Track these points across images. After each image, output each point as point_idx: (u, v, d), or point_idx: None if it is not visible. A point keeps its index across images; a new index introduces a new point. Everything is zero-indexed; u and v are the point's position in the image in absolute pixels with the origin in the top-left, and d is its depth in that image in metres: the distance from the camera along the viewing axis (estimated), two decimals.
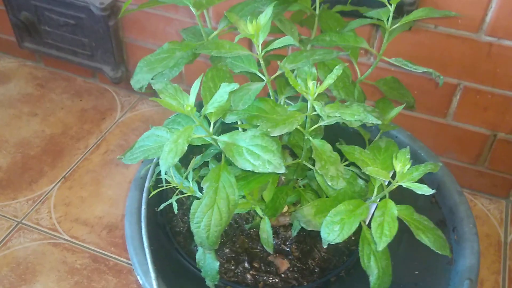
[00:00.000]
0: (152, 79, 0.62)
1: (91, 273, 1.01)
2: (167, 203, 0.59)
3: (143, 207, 0.69)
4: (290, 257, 0.70)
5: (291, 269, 0.69)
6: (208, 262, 0.59)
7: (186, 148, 0.48)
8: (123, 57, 1.37)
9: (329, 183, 0.51)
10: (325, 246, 0.56)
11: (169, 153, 0.48)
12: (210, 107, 0.49)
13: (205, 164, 0.65)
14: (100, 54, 1.36)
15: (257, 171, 0.49)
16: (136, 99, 1.42)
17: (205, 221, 0.54)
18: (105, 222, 1.10)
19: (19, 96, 1.43)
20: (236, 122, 0.59)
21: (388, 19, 0.64)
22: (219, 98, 0.49)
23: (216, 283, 0.60)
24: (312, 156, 0.53)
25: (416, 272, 0.70)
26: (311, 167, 0.61)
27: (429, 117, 1.11)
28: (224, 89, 0.49)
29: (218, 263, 0.59)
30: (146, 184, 0.73)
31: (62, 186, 1.18)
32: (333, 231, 0.55)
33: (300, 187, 0.70)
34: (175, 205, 0.56)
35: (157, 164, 0.73)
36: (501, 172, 1.14)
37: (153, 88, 0.53)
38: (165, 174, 0.58)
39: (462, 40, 0.96)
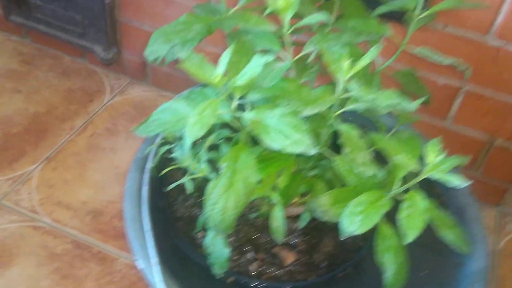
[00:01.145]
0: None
1: (72, 259, 0.95)
2: (177, 183, 0.55)
3: (145, 188, 0.65)
4: (296, 250, 0.67)
5: (296, 262, 0.66)
6: (217, 248, 0.56)
7: (212, 121, 0.45)
8: (116, 37, 1.32)
9: (357, 170, 0.49)
10: (343, 238, 0.53)
11: (194, 125, 0.44)
12: (240, 80, 0.46)
13: (212, 149, 0.61)
14: (92, 33, 1.30)
15: (286, 151, 0.46)
16: (126, 83, 1.37)
17: (222, 204, 0.50)
18: (89, 207, 1.04)
19: (2, 72, 1.36)
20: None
21: (415, 8, 0.62)
22: (251, 71, 0.46)
23: (224, 271, 0.57)
24: (339, 142, 0.50)
25: (422, 274, 0.68)
26: (331, 155, 0.58)
27: (429, 119, 1.10)
28: (258, 61, 0.45)
29: (228, 250, 0.55)
30: (148, 165, 0.68)
31: (45, 167, 1.11)
32: (354, 222, 0.52)
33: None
34: (189, 184, 0.52)
35: (162, 145, 0.68)
36: (495, 179, 1.14)
37: (177, 55, 0.49)
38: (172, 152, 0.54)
39: (469, 42, 0.95)
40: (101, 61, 1.33)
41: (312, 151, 0.45)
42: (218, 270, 0.57)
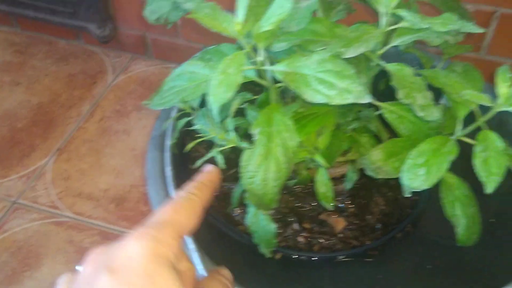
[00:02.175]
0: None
1: None
2: (205, 157, 0.48)
3: (168, 168, 0.58)
4: (345, 214, 0.60)
5: (348, 227, 0.59)
6: (262, 225, 0.49)
7: (240, 80, 0.37)
8: (109, 12, 1.22)
9: (421, 114, 0.41)
10: (408, 195, 0.46)
11: (219, 86, 0.37)
12: (266, 24, 0.38)
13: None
14: (84, 11, 1.21)
15: (332, 103, 0.38)
16: (128, 59, 1.29)
17: (261, 175, 0.43)
18: (111, 194, 0.99)
19: None
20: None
21: None
22: (278, 10, 0.37)
23: (273, 249, 0.50)
24: (392, 84, 0.42)
25: (491, 220, 0.60)
26: (377, 103, 0.50)
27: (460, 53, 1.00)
28: (284, 1, 0.37)
29: (275, 226, 0.48)
30: (167, 142, 0.61)
31: (58, 159, 1.05)
32: (417, 176, 0.45)
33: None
34: (220, 158, 0.45)
35: (179, 118, 0.61)
36: None
37: (183, 7, 0.41)
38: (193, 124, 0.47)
39: None
40: (97, 40, 1.24)
41: (365, 100, 0.37)
42: (266, 249, 0.50)
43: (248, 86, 0.49)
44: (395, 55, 0.70)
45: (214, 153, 0.47)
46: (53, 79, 1.23)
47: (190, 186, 0.36)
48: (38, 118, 1.13)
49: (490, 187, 0.40)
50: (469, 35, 0.95)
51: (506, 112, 0.42)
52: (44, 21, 1.26)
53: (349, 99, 0.38)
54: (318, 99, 0.39)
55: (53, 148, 1.07)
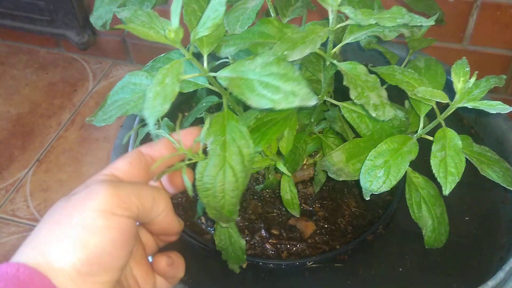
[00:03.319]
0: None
1: None
2: (170, 170, 0.46)
3: None
4: (314, 218, 0.58)
5: (318, 231, 0.57)
6: (231, 241, 0.47)
7: (177, 89, 0.35)
8: (87, 18, 1.21)
9: (374, 114, 0.39)
10: (368, 198, 0.44)
11: (155, 98, 0.35)
12: (202, 29, 0.36)
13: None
14: (61, 18, 1.19)
15: (278, 108, 0.36)
16: (109, 65, 1.27)
17: (217, 187, 0.41)
18: None
19: None
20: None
21: None
22: (212, 14, 0.35)
23: (243, 264, 0.48)
24: (344, 83, 0.40)
25: (467, 218, 0.58)
26: (335, 102, 0.48)
27: (443, 44, 0.98)
28: (218, 0, 0.35)
29: (244, 242, 0.46)
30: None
31: (37, 170, 1.04)
32: (376, 178, 0.43)
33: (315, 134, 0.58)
34: (186, 179, 0.42)
35: (143, 126, 0.59)
36: None
37: (119, 17, 0.39)
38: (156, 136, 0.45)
39: None
40: (77, 47, 1.23)
41: (312, 102, 0.35)
42: (235, 265, 0.48)
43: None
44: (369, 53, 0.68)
45: (177, 166, 0.44)
46: (33, 88, 1.22)
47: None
48: (17, 129, 1.12)
49: (448, 188, 0.38)
50: (449, 26, 0.93)
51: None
52: (23, 30, 1.25)
53: (295, 102, 0.36)
54: (263, 104, 0.37)
55: (32, 159, 1.06)
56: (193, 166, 0.40)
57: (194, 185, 0.40)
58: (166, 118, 0.56)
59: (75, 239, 0.28)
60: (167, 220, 0.36)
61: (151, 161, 0.37)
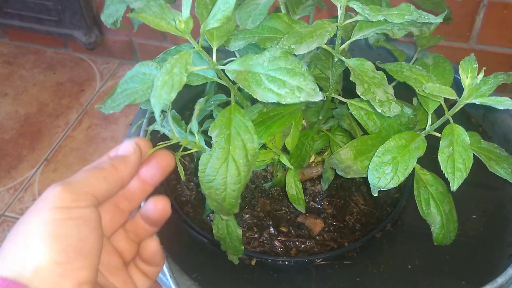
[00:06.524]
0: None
1: None
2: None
3: None
4: (323, 216, 0.58)
5: (326, 229, 0.57)
6: (227, 231, 0.47)
7: (185, 79, 0.35)
8: (95, 18, 1.22)
9: (379, 110, 0.39)
10: (376, 195, 0.44)
11: (162, 87, 0.35)
12: (212, 21, 0.36)
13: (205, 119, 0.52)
14: (69, 18, 1.20)
15: (284, 103, 0.36)
16: (116, 65, 1.28)
17: (219, 179, 0.41)
18: None
19: None
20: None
21: None
22: (223, 6, 0.36)
23: (240, 255, 0.48)
24: (351, 79, 0.40)
25: (474, 216, 0.58)
26: (343, 100, 0.48)
27: (450, 43, 0.98)
28: None
29: (241, 232, 0.47)
30: None
31: (45, 169, 1.04)
32: (384, 175, 0.43)
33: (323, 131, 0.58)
34: (180, 169, 0.43)
35: (150, 120, 0.60)
36: None
37: (132, 7, 0.39)
38: (162, 126, 0.45)
39: None
40: (84, 47, 1.23)
41: (317, 98, 0.35)
42: (233, 256, 0.48)
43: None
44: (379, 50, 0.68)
45: (176, 158, 0.45)
46: (41, 88, 1.23)
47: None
48: (26, 129, 1.13)
49: (455, 184, 0.38)
50: (456, 24, 0.93)
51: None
52: (31, 30, 1.26)
53: (300, 98, 0.36)
54: (269, 98, 0.37)
55: (40, 158, 1.06)
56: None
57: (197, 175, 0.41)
58: (173, 110, 0.56)
59: (43, 235, 0.28)
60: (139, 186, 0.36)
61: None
